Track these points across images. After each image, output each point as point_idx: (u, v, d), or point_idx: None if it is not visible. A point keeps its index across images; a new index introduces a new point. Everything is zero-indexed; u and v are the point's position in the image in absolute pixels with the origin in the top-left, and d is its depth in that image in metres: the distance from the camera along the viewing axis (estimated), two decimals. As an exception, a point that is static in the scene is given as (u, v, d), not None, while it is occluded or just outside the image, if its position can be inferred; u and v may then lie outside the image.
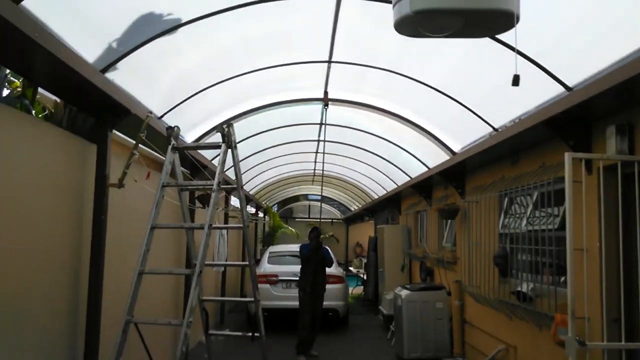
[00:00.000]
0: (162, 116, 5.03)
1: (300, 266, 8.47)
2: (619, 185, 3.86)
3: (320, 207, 15.39)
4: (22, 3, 2.84)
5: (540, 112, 4.56)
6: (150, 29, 4.02)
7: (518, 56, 4.05)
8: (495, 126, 5.83)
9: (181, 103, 5.16)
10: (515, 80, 2.15)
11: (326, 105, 6.60)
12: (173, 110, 5.36)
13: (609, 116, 4.19)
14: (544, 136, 4.94)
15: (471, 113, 5.96)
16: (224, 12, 4.24)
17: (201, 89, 5.25)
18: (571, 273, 3.74)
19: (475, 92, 5.79)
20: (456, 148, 7.28)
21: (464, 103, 5.94)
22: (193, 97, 5.49)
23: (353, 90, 7.22)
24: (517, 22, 2.19)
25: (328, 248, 9.69)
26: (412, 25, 2.25)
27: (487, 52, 4.48)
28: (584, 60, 4.04)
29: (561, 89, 4.36)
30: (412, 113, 7.34)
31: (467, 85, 5.77)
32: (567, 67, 4.21)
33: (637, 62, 3.31)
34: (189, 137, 6.36)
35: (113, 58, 3.90)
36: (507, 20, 2.16)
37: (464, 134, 6.87)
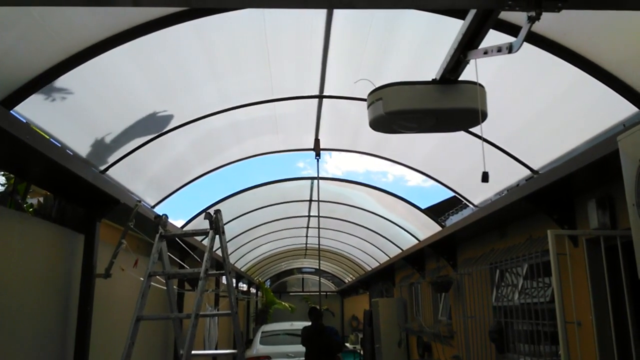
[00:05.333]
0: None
1: (296, 346, 8.17)
2: (603, 258, 3.89)
3: (320, 282, 15.08)
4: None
5: (521, 188, 4.67)
6: (144, 128, 4.18)
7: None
8: (535, 168, 4.84)
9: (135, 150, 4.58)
10: (485, 177, 2.24)
11: (318, 155, 5.67)
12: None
13: (590, 190, 4.30)
14: (529, 210, 5.02)
15: (500, 152, 4.92)
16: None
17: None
18: (564, 347, 3.69)
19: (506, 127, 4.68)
20: (476, 201, 6.36)
21: (492, 141, 4.90)
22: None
23: (349, 139, 6.30)
24: (485, 119, 2.32)
25: (336, 329, 8.84)
26: (386, 123, 2.38)
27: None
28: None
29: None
30: (419, 164, 6.43)
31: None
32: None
33: (612, 139, 3.45)
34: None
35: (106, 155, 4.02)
36: (475, 117, 2.29)
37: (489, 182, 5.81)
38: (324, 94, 4.81)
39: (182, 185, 5.90)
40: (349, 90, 4.71)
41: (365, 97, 4.02)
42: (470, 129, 4.31)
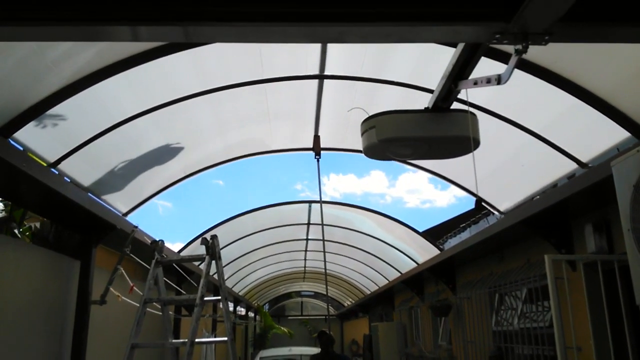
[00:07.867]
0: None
1: None
2: (601, 282, 3.87)
3: (327, 306, 14.81)
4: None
5: (517, 212, 4.67)
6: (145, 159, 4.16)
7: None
8: (584, 160, 4.06)
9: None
10: (478, 204, 2.26)
11: (317, 155, 4.61)
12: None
13: (586, 214, 4.29)
14: (526, 234, 5.01)
15: (539, 142, 4.15)
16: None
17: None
18: (565, 376, 3.64)
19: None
20: (502, 207, 5.48)
21: (532, 129, 4.13)
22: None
23: (353, 137, 5.23)
24: (477, 146, 2.35)
25: (349, 357, 7.89)
26: (380, 151, 2.40)
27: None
28: None
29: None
30: (432, 164, 5.63)
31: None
32: None
33: (606, 164, 3.46)
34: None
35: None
36: (466, 144, 2.32)
37: (517, 184, 5.00)
38: (325, 73, 4.02)
39: (159, 191, 5.15)
40: (355, 69, 3.98)
41: (374, 77, 3.77)
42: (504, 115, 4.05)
